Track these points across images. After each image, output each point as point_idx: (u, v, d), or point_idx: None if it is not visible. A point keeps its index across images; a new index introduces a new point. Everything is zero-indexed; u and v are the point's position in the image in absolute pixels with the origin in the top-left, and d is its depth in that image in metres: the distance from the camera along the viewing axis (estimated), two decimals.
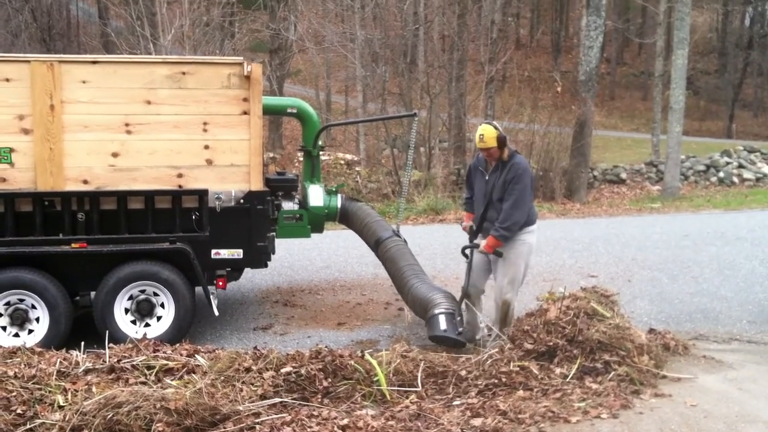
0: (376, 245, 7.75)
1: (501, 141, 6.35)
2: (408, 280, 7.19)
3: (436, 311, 6.61)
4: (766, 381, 5.81)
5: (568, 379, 5.56)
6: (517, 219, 6.34)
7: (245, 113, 6.60)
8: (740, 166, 22.47)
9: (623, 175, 21.89)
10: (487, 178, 6.56)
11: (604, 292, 6.32)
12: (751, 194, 19.49)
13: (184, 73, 6.51)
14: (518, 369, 5.64)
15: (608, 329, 5.84)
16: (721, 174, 21.93)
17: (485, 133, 6.32)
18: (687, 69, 20.26)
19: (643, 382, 5.58)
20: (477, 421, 4.80)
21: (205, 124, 6.56)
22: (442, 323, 6.48)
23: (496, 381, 5.49)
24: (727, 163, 22.48)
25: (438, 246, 11.26)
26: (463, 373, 5.57)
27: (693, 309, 7.97)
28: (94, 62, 6.47)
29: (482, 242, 6.51)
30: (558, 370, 5.67)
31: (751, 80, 42.78)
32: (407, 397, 5.25)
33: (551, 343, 5.84)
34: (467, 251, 6.74)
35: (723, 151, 23.61)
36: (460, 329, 6.48)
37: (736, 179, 21.81)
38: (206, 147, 6.58)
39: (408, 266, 7.36)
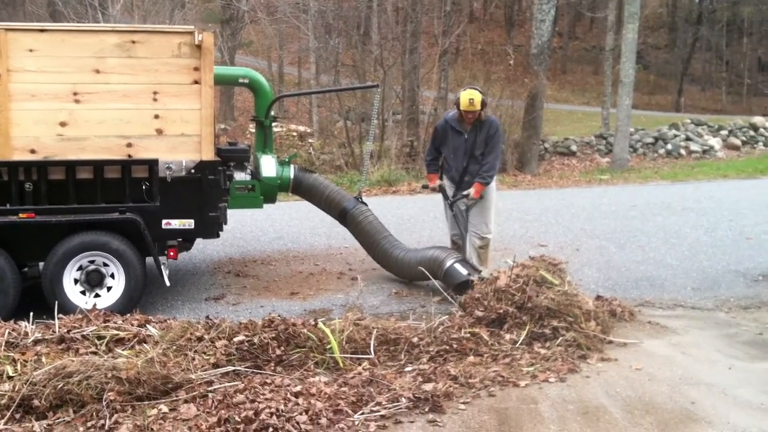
0: (342, 216, 7.92)
1: (484, 103, 7.14)
2: (391, 251, 7.76)
3: (449, 263, 7.05)
4: (709, 345, 5.99)
5: (517, 345, 5.67)
6: (497, 167, 7.43)
7: (196, 83, 6.53)
8: (687, 139, 22.90)
9: (574, 148, 22.16)
10: (466, 136, 7.29)
11: (552, 261, 6.43)
12: (698, 166, 19.91)
13: (133, 42, 6.40)
14: (469, 335, 5.73)
15: (557, 296, 5.96)
16: (669, 146, 22.33)
17: (475, 97, 7.00)
18: (637, 43, 20.53)
19: (590, 347, 5.72)
20: (428, 386, 4.87)
21: (155, 93, 6.48)
22: (462, 269, 6.96)
23: (447, 347, 5.57)
24: (675, 136, 22.88)
25: (391, 217, 11.29)
26: (415, 340, 5.63)
27: (639, 276, 8.15)
28: (42, 30, 6.33)
29: (470, 191, 7.24)
30: (508, 336, 5.77)
31: (699, 55, 43.52)
32: (360, 364, 5.30)
33: (501, 311, 5.94)
34: (456, 202, 7.44)
35: (671, 125, 24.03)
36: (480, 268, 7.10)
37: (683, 151, 22.23)
38: (156, 117, 6.50)
39: (384, 238, 7.88)
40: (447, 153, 7.49)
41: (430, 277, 7.17)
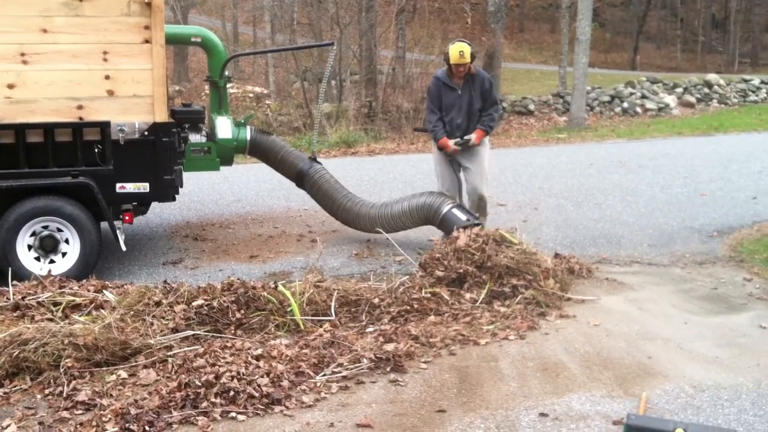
0: (299, 178, 7.82)
1: (473, 56, 7.18)
2: (359, 207, 7.63)
3: (445, 209, 7.05)
4: (665, 301, 6.08)
5: (477, 304, 5.70)
6: (497, 118, 7.60)
7: (147, 42, 6.37)
8: (643, 97, 23.08)
9: (531, 107, 22.21)
10: (459, 92, 7.30)
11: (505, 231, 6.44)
12: (654, 124, 20.11)
13: (81, 0, 6.21)
14: (430, 295, 5.75)
15: (516, 255, 6.00)
16: (625, 104, 22.49)
17: (464, 49, 7.04)
18: (593, 1, 20.51)
19: (549, 304, 5.77)
20: (389, 346, 4.88)
21: (105, 53, 6.30)
22: (461, 215, 6.97)
23: (408, 308, 5.58)
24: (631, 94, 23.05)
25: (351, 179, 11.21)
26: (376, 300, 5.63)
27: (596, 234, 8.24)
28: None
29: (472, 136, 7.25)
30: (468, 296, 5.80)
31: (655, 12, 43.71)
32: (321, 326, 5.29)
33: (461, 270, 5.96)
34: (460, 143, 7.29)
35: (627, 83, 24.19)
36: (476, 213, 7.24)
37: (639, 109, 22.42)
38: (107, 77, 6.33)
39: (344, 196, 7.77)
40: (444, 112, 7.39)
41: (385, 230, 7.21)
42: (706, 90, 24.75)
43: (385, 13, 22.32)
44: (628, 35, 40.33)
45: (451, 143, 7.25)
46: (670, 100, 23.26)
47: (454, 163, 7.41)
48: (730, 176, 11.45)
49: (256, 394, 4.21)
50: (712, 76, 25.96)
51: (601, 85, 23.97)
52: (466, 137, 7.27)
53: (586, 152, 14.54)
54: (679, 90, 24.23)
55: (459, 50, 7.01)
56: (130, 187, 6.60)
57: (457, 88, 7.27)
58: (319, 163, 7.97)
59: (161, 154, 6.59)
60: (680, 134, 17.74)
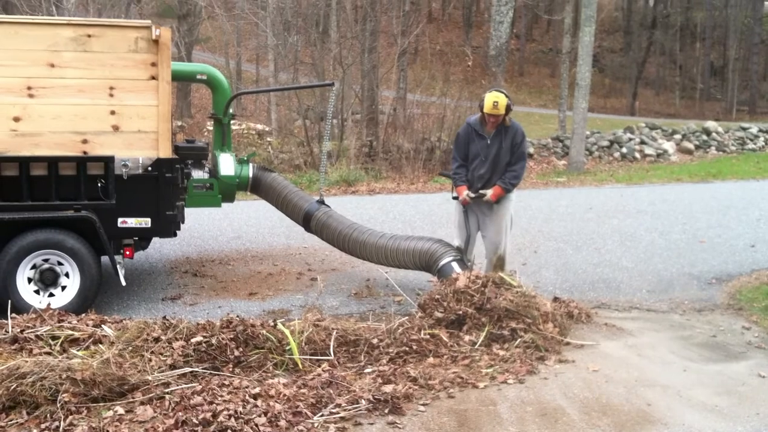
0: (305, 220, 7.80)
1: (509, 108, 6.80)
2: (377, 240, 7.45)
3: (445, 260, 6.90)
4: (664, 347, 6.07)
5: (476, 346, 5.69)
6: (522, 176, 7.17)
7: (153, 78, 6.44)
8: (642, 142, 23.19)
9: (531, 150, 22.26)
10: (488, 141, 6.95)
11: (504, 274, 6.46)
12: (652, 169, 20.17)
13: (89, 36, 6.29)
14: (428, 337, 5.74)
15: (515, 297, 6.00)
16: (624, 150, 22.59)
17: (499, 100, 6.69)
18: (593, 46, 20.71)
19: (548, 348, 5.76)
20: (388, 388, 4.87)
21: (111, 88, 6.37)
22: (457, 269, 6.73)
23: (407, 348, 5.57)
24: (630, 139, 23.16)
25: (351, 217, 11.22)
26: (375, 341, 5.62)
27: (596, 279, 8.24)
28: None
29: (489, 192, 6.94)
30: (467, 338, 5.79)
31: (653, 59, 44.19)
32: (319, 366, 5.27)
33: (461, 312, 5.95)
34: (472, 201, 7.05)
35: (626, 128, 24.31)
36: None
37: (638, 155, 22.51)
38: (112, 112, 6.39)
39: (348, 227, 7.67)
40: (469, 159, 7.08)
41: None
42: (705, 137, 24.89)
43: (387, 55, 22.52)
44: (627, 81, 40.70)
45: (464, 193, 7.01)
46: (669, 146, 23.37)
47: (470, 215, 7.15)
48: (728, 223, 11.49)
49: None
50: (710, 124, 26.12)
51: (600, 130, 24.10)
52: (482, 191, 6.96)
53: (585, 196, 14.58)
54: (678, 136, 24.36)
55: (493, 100, 6.67)
56: (132, 222, 6.62)
57: (488, 137, 6.92)
58: (327, 206, 7.91)
59: (164, 190, 6.62)
60: (679, 180, 17.80)
